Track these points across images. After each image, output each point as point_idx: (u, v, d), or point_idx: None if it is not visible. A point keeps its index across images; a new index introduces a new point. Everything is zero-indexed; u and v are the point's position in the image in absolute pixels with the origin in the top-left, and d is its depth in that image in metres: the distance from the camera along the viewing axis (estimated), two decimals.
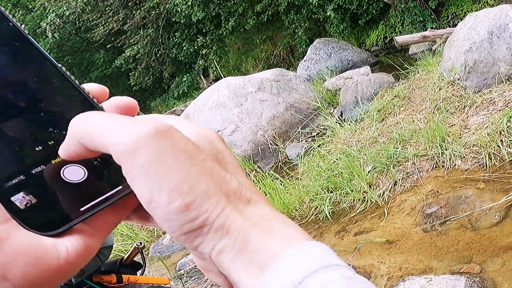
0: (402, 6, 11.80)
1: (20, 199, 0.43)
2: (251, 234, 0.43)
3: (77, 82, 0.50)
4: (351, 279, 0.40)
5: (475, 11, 10.39)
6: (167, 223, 0.42)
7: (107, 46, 18.33)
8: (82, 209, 0.46)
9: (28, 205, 0.43)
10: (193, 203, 0.42)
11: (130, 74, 18.38)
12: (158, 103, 19.37)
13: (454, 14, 11.17)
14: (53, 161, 0.46)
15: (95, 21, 17.03)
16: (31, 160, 0.45)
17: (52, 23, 15.33)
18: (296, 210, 5.58)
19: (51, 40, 16.67)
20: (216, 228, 0.42)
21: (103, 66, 19.96)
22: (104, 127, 0.43)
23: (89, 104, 0.50)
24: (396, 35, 12.07)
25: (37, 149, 0.46)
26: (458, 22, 10.53)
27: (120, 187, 0.48)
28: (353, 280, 0.40)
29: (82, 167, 0.47)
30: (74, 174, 0.47)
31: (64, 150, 0.45)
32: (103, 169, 0.48)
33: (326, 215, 5.23)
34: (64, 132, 0.46)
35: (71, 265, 0.43)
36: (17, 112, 0.46)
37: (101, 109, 0.50)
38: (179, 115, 12.11)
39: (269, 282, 0.40)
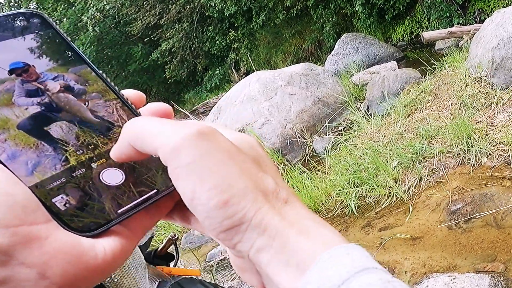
0: (429, 1, 11.56)
1: (60, 200, 0.44)
2: (288, 233, 0.42)
3: (116, 88, 0.53)
4: (389, 283, 0.39)
5: (502, 7, 10.13)
6: (208, 220, 0.43)
7: (145, 40, 18.49)
8: (119, 211, 0.46)
9: (68, 206, 0.44)
10: (231, 200, 0.42)
11: (165, 67, 18.43)
12: (191, 95, 19.42)
13: (480, 10, 10.86)
14: (93, 165, 0.47)
15: (133, 15, 17.26)
16: (72, 163, 0.47)
17: (92, 17, 15.48)
18: (322, 203, 5.47)
19: (91, 33, 16.85)
20: (254, 225, 0.42)
21: (140, 59, 20.03)
22: (154, 130, 0.44)
23: (128, 110, 0.52)
24: (422, 31, 11.82)
25: (78, 152, 0.47)
26: (485, 18, 10.27)
27: (155, 190, 0.49)
28: (392, 284, 0.39)
29: (121, 171, 0.48)
30: (113, 177, 0.48)
31: (116, 152, 0.47)
32: (140, 173, 0.49)
33: (352, 209, 5.11)
34: (103, 137, 0.49)
35: (108, 265, 0.43)
36: (61, 116, 0.48)
37: (139, 114, 0.52)
38: (212, 107, 12.12)
39: (310, 284, 0.40)
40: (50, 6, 19.50)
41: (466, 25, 10.21)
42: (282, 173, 6.37)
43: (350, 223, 5.02)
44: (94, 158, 0.48)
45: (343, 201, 5.31)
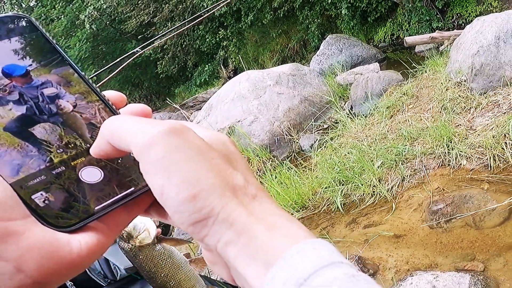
0: (410, 5, 11.52)
1: (40, 197, 0.44)
2: (256, 228, 0.41)
3: (98, 89, 0.52)
4: (354, 277, 0.39)
5: (479, 11, 10.17)
6: (177, 214, 0.42)
7: (138, 37, 18.33)
8: (97, 208, 0.46)
9: (47, 203, 0.44)
10: (199, 194, 0.41)
11: (158, 63, 18.42)
12: (181, 90, 19.37)
13: (459, 14, 10.85)
14: (72, 163, 0.47)
15: (128, 14, 17.22)
16: (52, 161, 0.46)
17: (90, 15, 15.24)
18: (309, 200, 5.43)
19: (88, 30, 16.64)
20: (221, 220, 0.41)
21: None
22: (128, 128, 0.44)
23: (108, 110, 0.51)
24: (403, 33, 11.83)
25: (58, 152, 0.47)
26: (463, 22, 10.30)
27: (132, 188, 0.48)
28: (356, 278, 0.39)
29: (99, 169, 0.48)
30: (91, 175, 0.47)
31: (95, 149, 0.46)
32: (118, 171, 0.49)
33: (337, 206, 5.06)
34: (84, 137, 0.49)
35: (83, 260, 0.43)
36: (45, 118, 0.48)
37: (118, 114, 0.51)
38: (201, 101, 12.05)
39: (275, 278, 0.39)
40: (48, 3, 19.35)
41: (444, 28, 10.19)
42: (269, 169, 6.33)
43: (336, 219, 4.98)
44: (74, 157, 0.47)
45: (329, 198, 5.26)
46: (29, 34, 0.51)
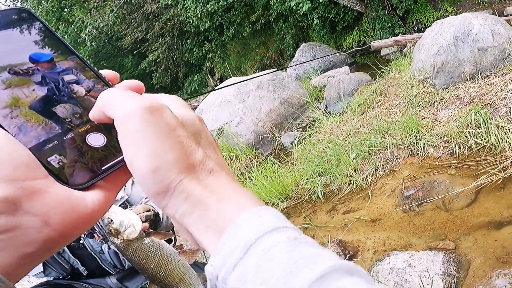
0: (374, 14, 11.40)
1: (54, 159, 0.44)
2: (209, 201, 0.42)
3: (95, 68, 0.52)
4: (296, 239, 0.39)
5: (436, 17, 10.08)
6: (141, 184, 0.42)
7: (134, 52, 18.30)
8: (103, 168, 0.46)
9: (61, 164, 0.44)
10: (159, 168, 0.41)
11: (152, 75, 18.32)
12: None
13: (418, 20, 10.75)
14: (79, 130, 0.47)
15: (123, 32, 17.19)
16: (63, 129, 0.46)
17: (90, 33, 15.07)
18: (292, 191, 5.28)
19: (89, 48, 16.54)
20: (178, 193, 0.41)
21: (131, 69, 19.85)
22: (114, 101, 0.44)
23: (105, 85, 0.52)
24: (368, 39, 11.72)
25: (67, 120, 0.47)
26: (422, 27, 10.20)
27: None
28: (298, 241, 0.39)
29: (103, 135, 0.48)
30: (96, 140, 0.48)
31: (92, 114, 0.46)
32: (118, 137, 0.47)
33: (318, 196, 4.93)
34: (86, 108, 0.49)
35: (96, 214, 0.43)
36: (60, 96, 0.48)
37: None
38: (192, 108, 11.85)
39: (226, 245, 0.40)
40: (52, 25, 19.12)
41: (406, 33, 10.09)
42: (256, 165, 6.20)
43: (317, 207, 4.84)
44: (81, 125, 0.48)
45: (310, 188, 5.13)
46: (33, 24, 0.51)
